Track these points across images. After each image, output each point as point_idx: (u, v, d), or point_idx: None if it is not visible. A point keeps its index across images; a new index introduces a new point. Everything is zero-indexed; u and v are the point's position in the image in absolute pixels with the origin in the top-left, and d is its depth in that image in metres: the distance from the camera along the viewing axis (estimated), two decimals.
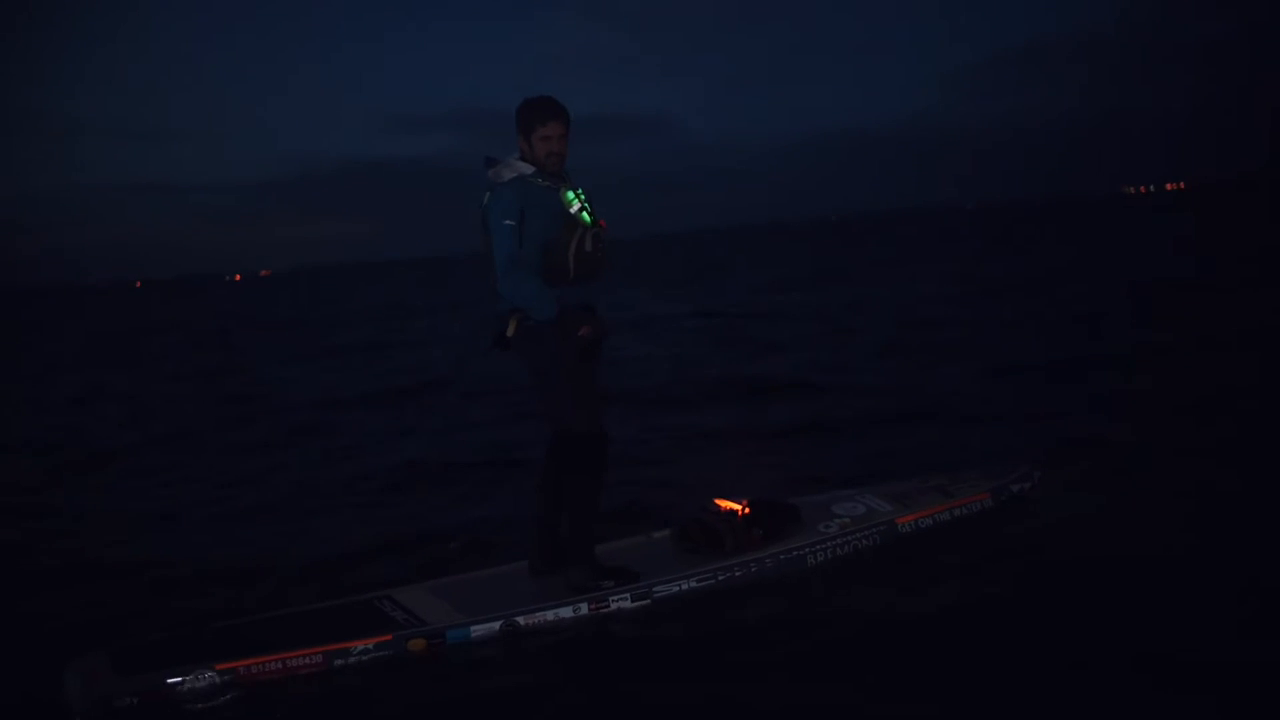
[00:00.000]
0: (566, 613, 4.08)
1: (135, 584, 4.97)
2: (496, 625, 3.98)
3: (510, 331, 4.18)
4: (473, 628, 3.96)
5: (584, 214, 4.19)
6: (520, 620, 4.01)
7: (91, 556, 5.53)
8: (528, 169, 4.18)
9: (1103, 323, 11.81)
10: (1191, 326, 10.32)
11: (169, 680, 3.60)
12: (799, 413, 7.96)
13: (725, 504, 4.68)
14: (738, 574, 4.35)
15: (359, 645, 3.82)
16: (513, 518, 5.26)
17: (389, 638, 3.86)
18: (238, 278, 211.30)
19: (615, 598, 4.16)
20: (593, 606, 4.12)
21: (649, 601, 4.20)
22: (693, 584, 4.28)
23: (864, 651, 3.80)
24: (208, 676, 3.63)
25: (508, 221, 4.06)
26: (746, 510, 4.62)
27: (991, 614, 4.00)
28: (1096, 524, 4.83)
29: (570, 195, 4.19)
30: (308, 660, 3.75)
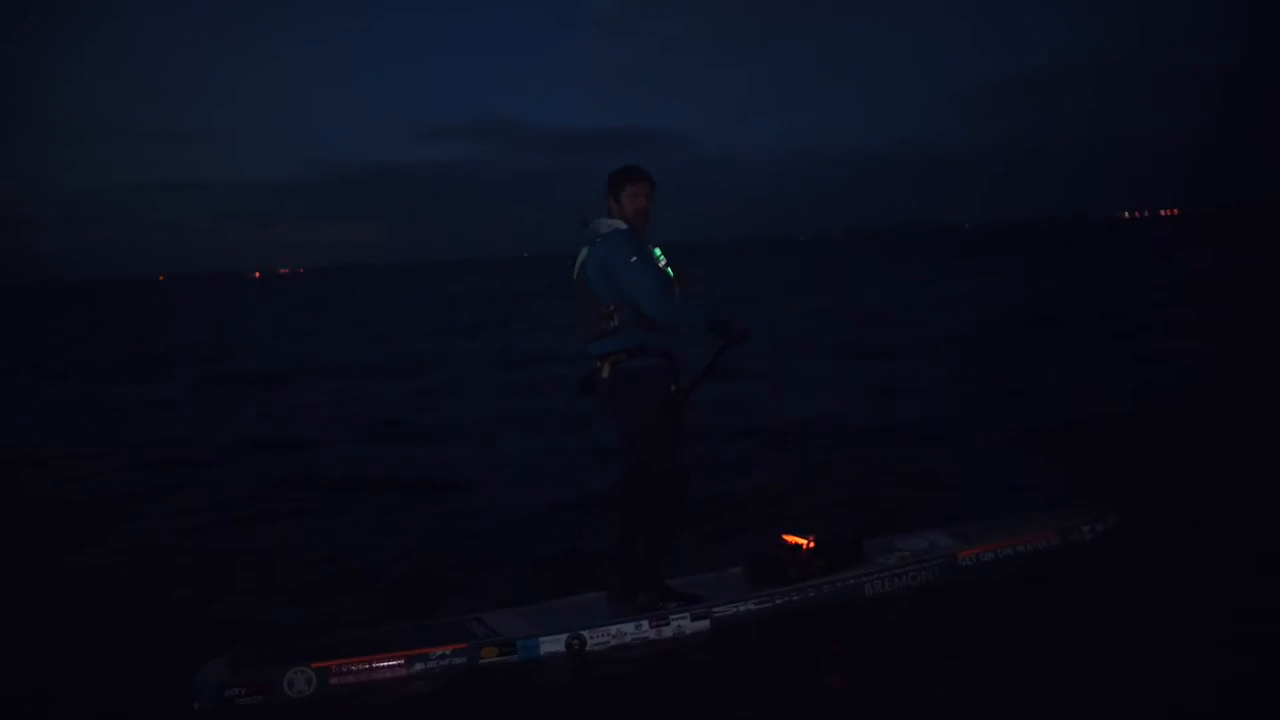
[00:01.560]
0: (629, 628, 4.39)
1: (257, 595, 5.52)
2: (563, 638, 4.31)
3: (605, 374, 4.57)
4: (541, 639, 4.31)
5: (667, 269, 4.60)
6: (585, 634, 4.34)
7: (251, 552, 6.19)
8: (621, 225, 4.60)
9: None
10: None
11: (273, 675, 4.05)
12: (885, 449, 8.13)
13: (792, 539, 4.91)
14: (795, 599, 4.57)
15: (437, 651, 4.21)
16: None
17: (464, 645, 4.25)
18: (257, 275, 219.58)
19: (675, 616, 4.44)
20: (653, 624, 4.41)
21: (708, 621, 4.46)
22: (751, 606, 4.52)
23: (907, 681, 3.98)
24: (306, 674, 4.07)
25: (634, 259, 4.44)
26: (811, 544, 4.84)
27: (1044, 656, 4.10)
28: (1168, 576, 4.81)
29: (658, 251, 4.63)
30: (391, 662, 4.16)
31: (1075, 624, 4.36)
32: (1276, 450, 7.01)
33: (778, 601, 4.55)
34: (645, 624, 4.41)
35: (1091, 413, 8.93)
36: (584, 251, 4.63)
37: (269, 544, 6.42)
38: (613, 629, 4.38)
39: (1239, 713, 3.63)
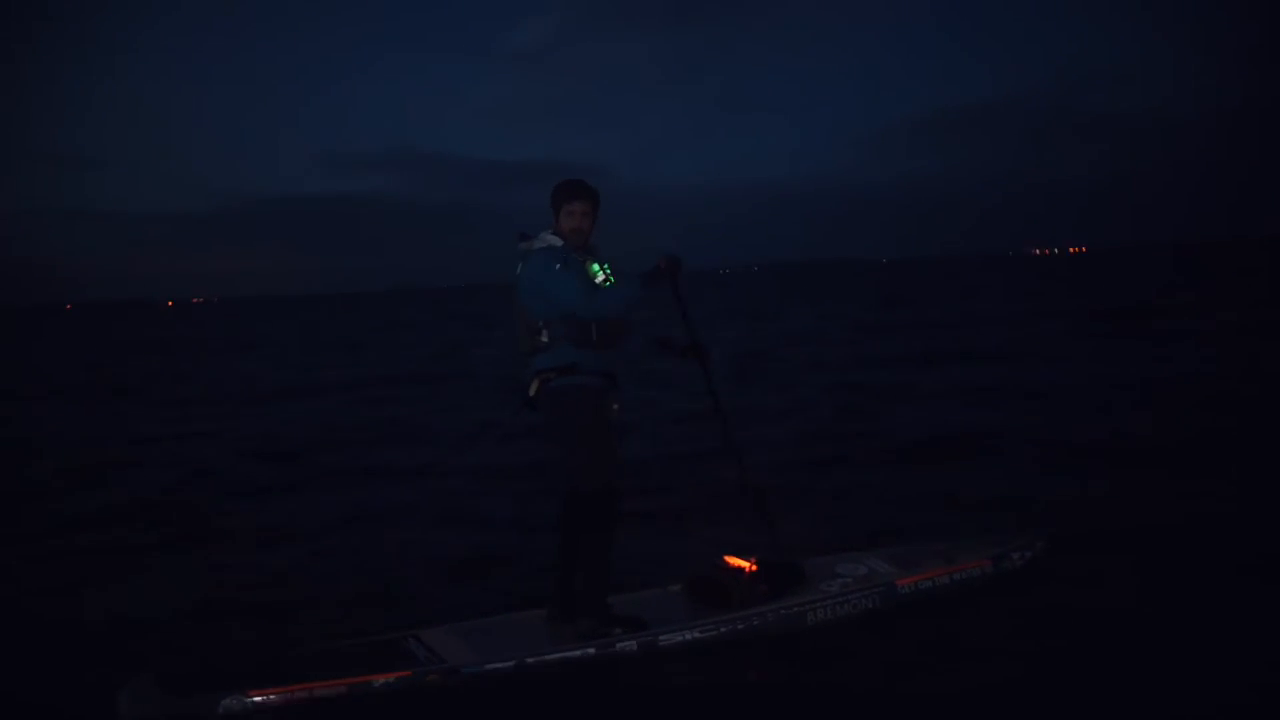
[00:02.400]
0: (574, 655, 4.36)
1: (191, 607, 5.35)
2: (509, 665, 4.26)
3: (533, 392, 4.55)
4: (486, 666, 4.25)
5: (608, 284, 4.56)
6: (530, 661, 4.29)
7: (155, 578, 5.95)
8: (557, 241, 4.59)
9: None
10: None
11: (206, 705, 3.92)
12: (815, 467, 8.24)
13: (734, 560, 4.93)
14: (740, 627, 4.59)
15: (381, 679, 4.12)
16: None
17: (409, 674, 4.16)
18: (170, 304, 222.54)
19: (621, 643, 4.42)
20: (599, 650, 4.38)
21: (653, 649, 4.46)
22: (696, 634, 4.53)
23: (851, 707, 4.04)
24: (241, 702, 3.95)
25: (557, 266, 4.45)
26: (754, 567, 4.86)
27: (981, 681, 4.18)
28: (1097, 597, 4.97)
29: (595, 267, 4.59)
30: (333, 691, 4.06)
31: (1009, 647, 4.48)
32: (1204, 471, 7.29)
33: (722, 630, 4.57)
34: (591, 650, 4.39)
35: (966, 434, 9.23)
36: (518, 267, 4.62)
37: (199, 559, 6.27)
38: (558, 658, 4.34)
39: None
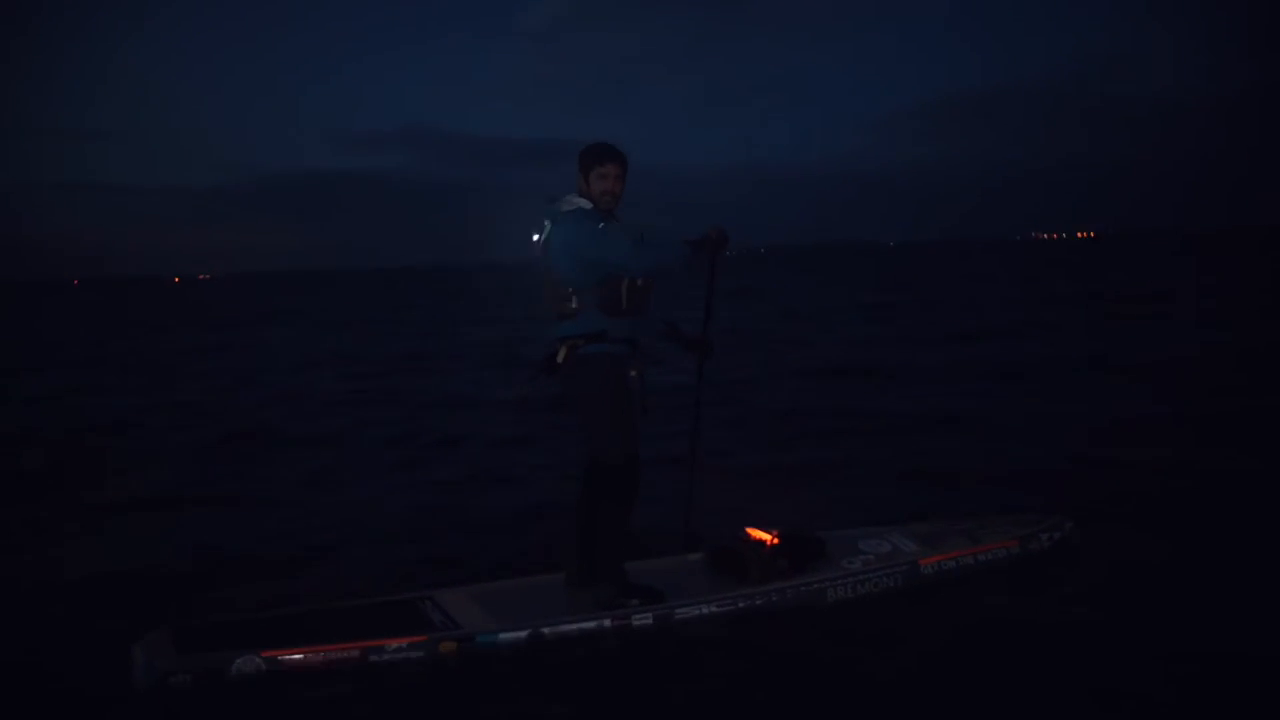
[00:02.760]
0: (590, 626, 4.31)
1: (209, 562, 5.35)
2: (524, 634, 4.22)
3: (561, 358, 4.45)
4: (501, 635, 4.21)
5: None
6: (545, 631, 4.25)
7: (170, 534, 5.97)
8: (587, 204, 4.47)
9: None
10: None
11: (220, 662, 3.91)
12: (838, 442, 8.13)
13: (756, 533, 4.86)
14: (758, 602, 4.53)
15: (395, 644, 4.09)
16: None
17: (424, 638, 4.13)
18: (176, 280, 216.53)
19: (637, 616, 4.37)
20: (615, 622, 4.34)
21: (670, 622, 4.40)
22: (714, 608, 4.47)
23: (868, 688, 3.97)
24: (255, 662, 3.93)
25: (600, 225, 4.35)
26: (775, 541, 4.79)
27: (1000, 663, 4.11)
28: (1123, 582, 4.86)
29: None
30: (346, 654, 4.04)
31: (1033, 631, 4.39)
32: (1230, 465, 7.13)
33: (740, 605, 4.51)
34: (607, 622, 4.34)
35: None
36: (546, 227, 4.50)
37: (216, 514, 6.29)
38: (574, 626, 4.29)
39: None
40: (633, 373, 4.49)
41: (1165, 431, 8.06)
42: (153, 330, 30.99)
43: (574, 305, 4.41)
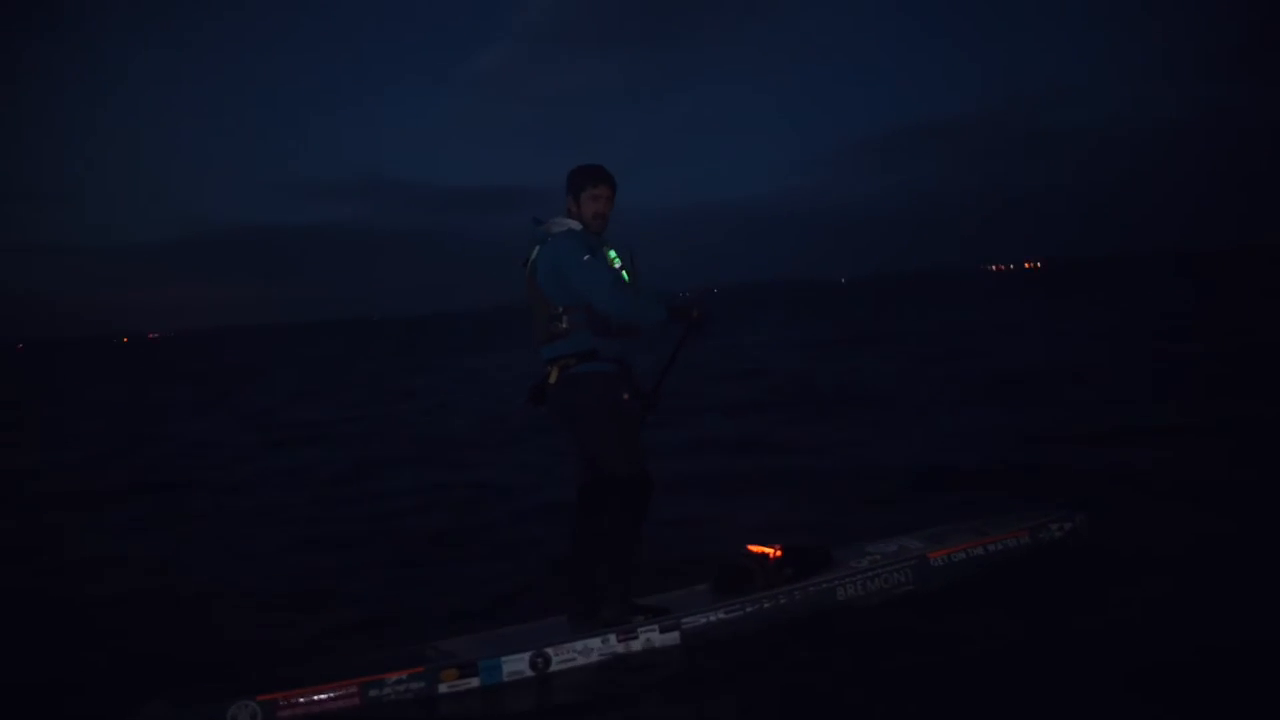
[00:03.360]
0: (595, 644, 4.17)
1: (204, 619, 5.23)
2: (526, 656, 4.08)
3: (553, 379, 4.40)
4: (504, 658, 4.06)
5: (624, 273, 4.46)
6: (550, 651, 4.10)
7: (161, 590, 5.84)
8: (577, 225, 4.47)
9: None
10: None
11: (215, 712, 3.75)
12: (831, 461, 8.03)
13: (758, 548, 4.75)
14: (766, 606, 4.40)
15: (394, 676, 3.94)
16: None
17: (421, 669, 3.98)
18: (125, 340, 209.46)
19: (643, 629, 4.23)
20: (621, 638, 4.20)
21: (677, 634, 4.26)
22: (720, 615, 4.33)
23: (883, 687, 3.83)
24: (249, 707, 3.78)
25: (586, 257, 4.31)
26: (778, 554, 4.67)
27: (1018, 656, 3.99)
28: (1137, 574, 4.74)
29: (613, 254, 4.48)
30: (344, 691, 3.88)
31: (1047, 623, 4.25)
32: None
33: (748, 610, 4.37)
34: (612, 638, 4.20)
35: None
36: (534, 250, 4.50)
37: (205, 577, 6.14)
38: (578, 645, 4.15)
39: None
40: (625, 395, 4.44)
41: (1172, 430, 8.00)
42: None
43: (564, 325, 4.37)
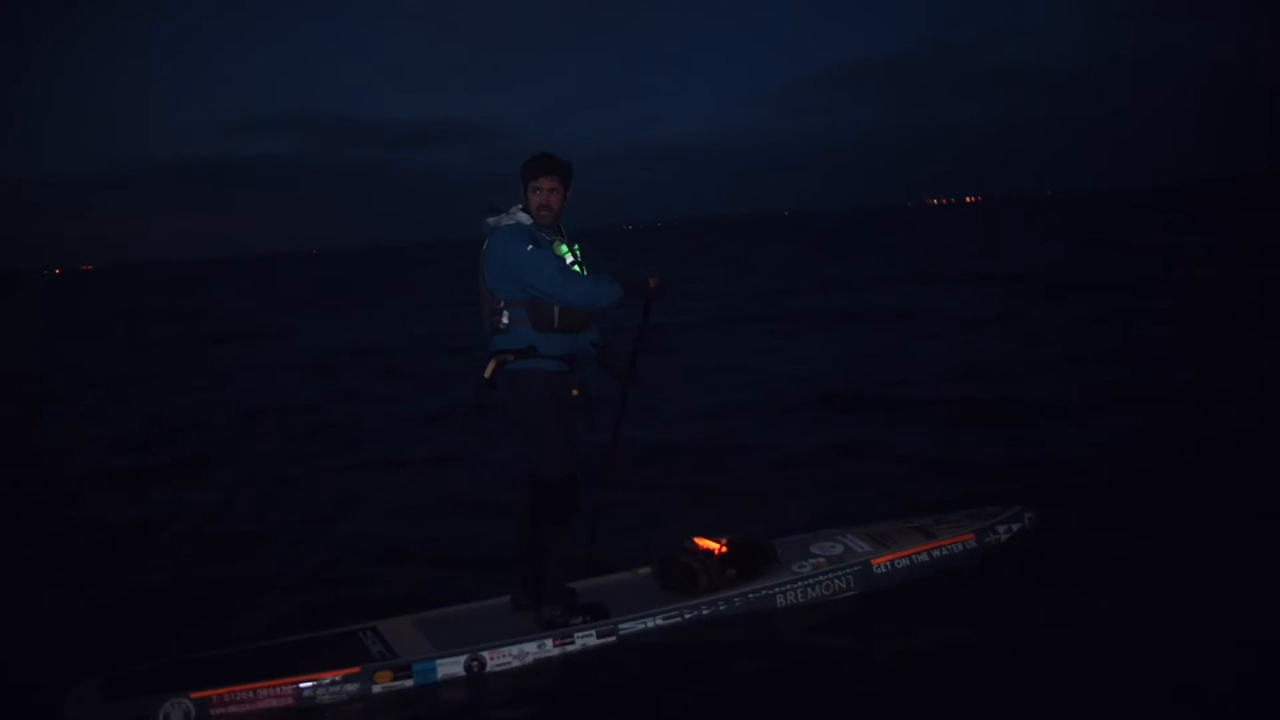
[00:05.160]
0: (531, 648, 4.19)
1: (142, 602, 5.21)
2: (461, 659, 4.10)
3: (488, 374, 4.36)
4: (438, 661, 4.09)
5: (576, 266, 4.37)
6: (485, 654, 4.13)
7: (105, 573, 5.82)
8: (526, 219, 4.37)
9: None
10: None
11: (148, 708, 3.79)
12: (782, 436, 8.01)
13: (703, 543, 4.76)
14: (705, 613, 4.42)
15: (328, 677, 3.97)
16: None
17: (357, 670, 4.01)
18: (57, 271, 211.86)
19: (580, 634, 4.26)
20: (557, 642, 4.22)
21: (614, 639, 4.29)
22: (659, 621, 4.36)
23: (817, 693, 3.88)
24: (184, 705, 3.81)
25: (529, 247, 4.23)
26: (723, 549, 4.69)
27: (952, 663, 4.03)
28: (1086, 574, 4.75)
29: (564, 248, 4.38)
30: (278, 690, 3.92)
31: (991, 630, 4.29)
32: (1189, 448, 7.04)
33: (687, 616, 4.40)
34: (549, 643, 4.22)
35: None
36: (485, 242, 4.42)
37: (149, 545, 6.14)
38: (514, 649, 4.18)
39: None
40: (574, 392, 4.40)
41: (1123, 410, 7.99)
42: None
43: (504, 320, 4.32)
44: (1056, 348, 11.46)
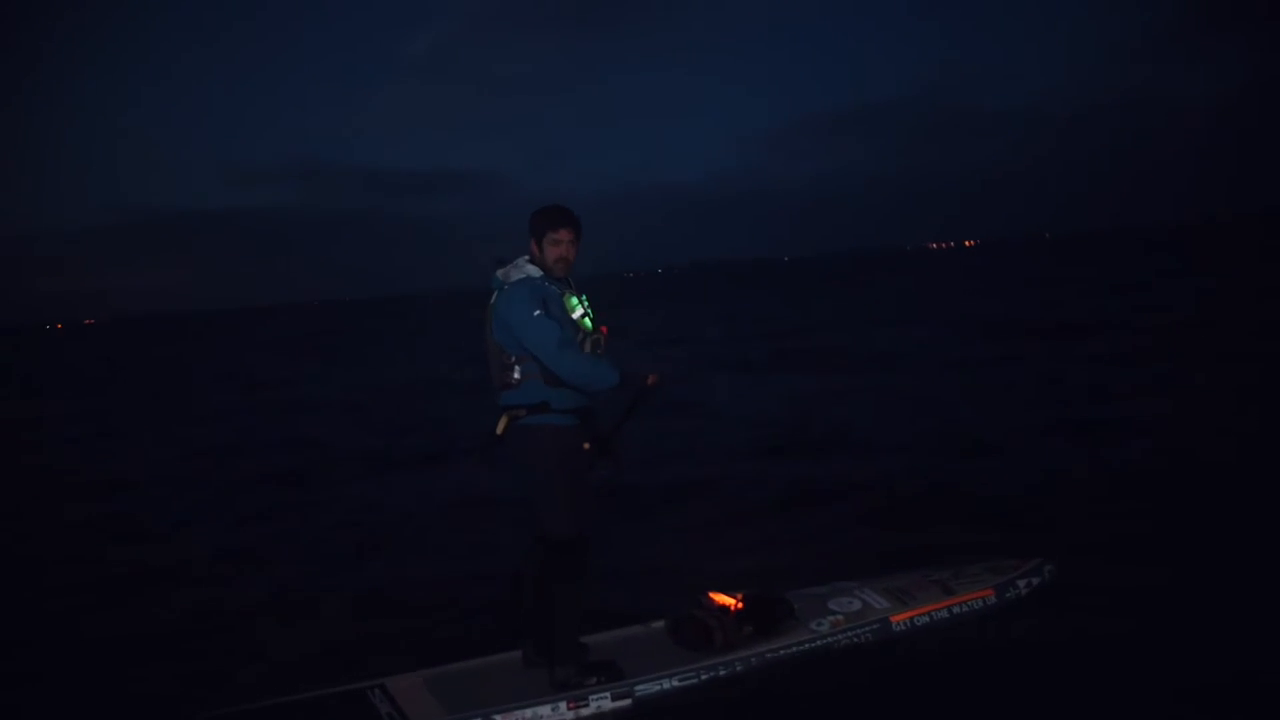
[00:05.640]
0: (545, 711, 4.07)
1: (140, 650, 5.10)
2: None
3: (500, 430, 4.26)
4: None
5: (585, 319, 4.29)
6: (497, 719, 4.01)
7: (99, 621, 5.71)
8: (535, 272, 4.29)
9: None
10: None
11: None
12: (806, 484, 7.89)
13: (719, 598, 4.64)
14: (722, 673, 4.31)
15: None
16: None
17: None
18: (59, 326, 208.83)
19: (595, 697, 4.14)
20: (571, 705, 4.10)
21: (629, 701, 4.17)
22: (675, 683, 4.24)
23: None
24: None
25: (536, 312, 4.14)
26: (739, 605, 4.58)
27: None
28: (1115, 629, 4.60)
29: (574, 300, 4.29)
30: None
31: (1012, 690, 4.18)
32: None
33: (703, 677, 4.28)
34: (562, 705, 4.10)
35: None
36: (494, 297, 4.33)
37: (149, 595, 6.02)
38: (528, 712, 4.06)
39: None
40: (585, 445, 4.30)
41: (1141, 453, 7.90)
42: None
43: (516, 375, 4.23)
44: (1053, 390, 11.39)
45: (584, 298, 4.35)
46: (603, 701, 4.14)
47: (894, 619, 4.61)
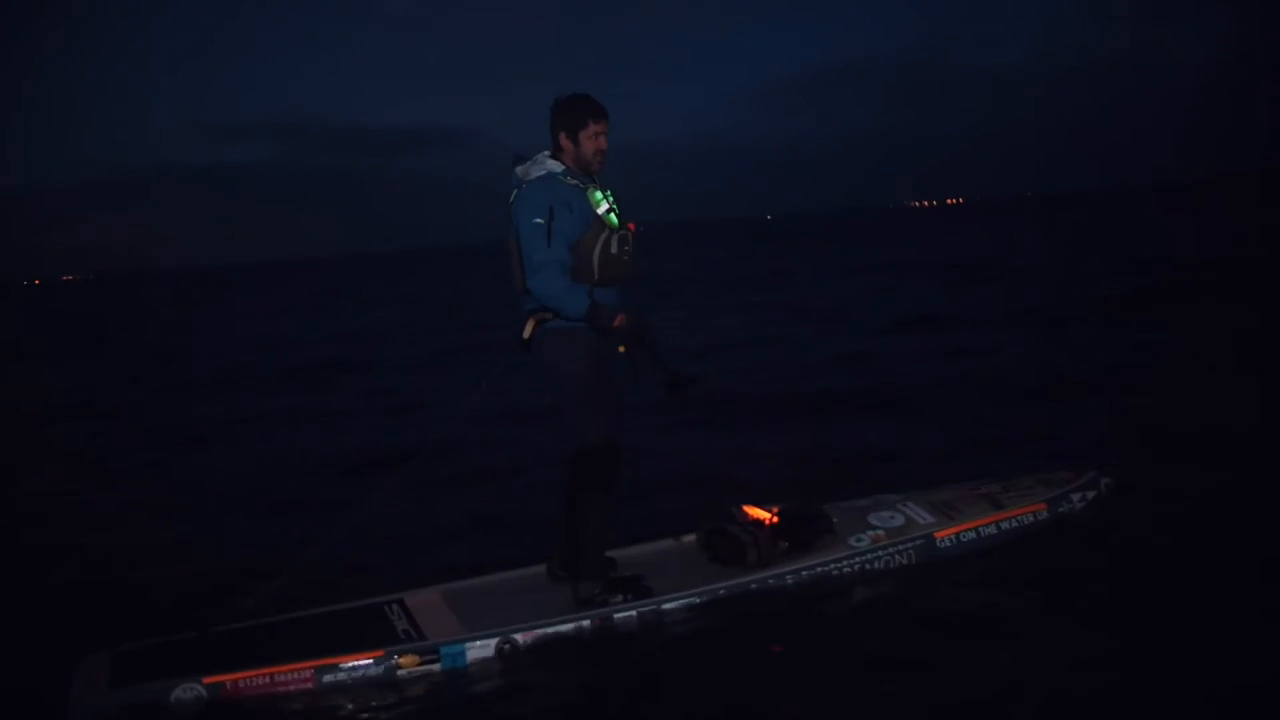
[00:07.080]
0: (568, 629, 3.89)
1: (154, 573, 4.99)
2: (493, 642, 3.80)
3: (527, 334, 4.02)
4: (468, 645, 3.79)
5: (611, 215, 3.99)
6: (518, 637, 3.83)
7: (112, 544, 5.62)
8: (557, 167, 4.02)
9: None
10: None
11: (157, 694, 3.54)
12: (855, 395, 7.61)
13: (754, 511, 4.42)
14: (754, 589, 4.09)
15: (349, 661, 3.70)
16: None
17: (380, 654, 3.73)
18: (37, 282, 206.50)
19: (620, 614, 3.94)
20: (595, 623, 3.91)
21: (656, 618, 3.97)
22: (704, 599, 4.03)
23: (874, 677, 3.55)
24: (194, 690, 3.55)
25: (537, 220, 3.90)
26: (774, 519, 4.34)
27: (1017, 648, 3.66)
28: (1173, 546, 4.35)
29: (599, 195, 4.00)
30: (296, 675, 3.65)
31: (1066, 609, 3.92)
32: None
33: (735, 594, 4.06)
34: (586, 623, 3.91)
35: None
36: (512, 194, 4.05)
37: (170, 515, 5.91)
38: (549, 630, 3.87)
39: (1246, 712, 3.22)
40: (621, 347, 4.03)
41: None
42: None
43: None
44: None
45: (609, 193, 4.03)
46: (629, 619, 3.95)
47: (938, 535, 4.35)
